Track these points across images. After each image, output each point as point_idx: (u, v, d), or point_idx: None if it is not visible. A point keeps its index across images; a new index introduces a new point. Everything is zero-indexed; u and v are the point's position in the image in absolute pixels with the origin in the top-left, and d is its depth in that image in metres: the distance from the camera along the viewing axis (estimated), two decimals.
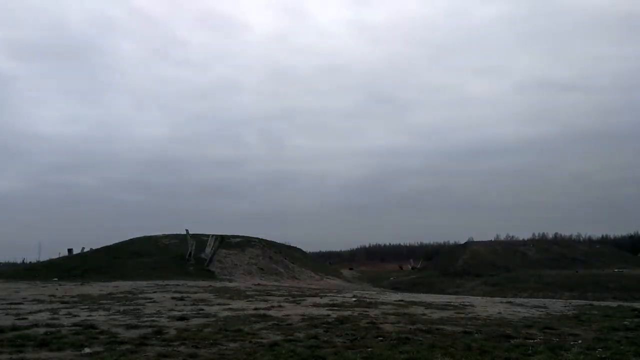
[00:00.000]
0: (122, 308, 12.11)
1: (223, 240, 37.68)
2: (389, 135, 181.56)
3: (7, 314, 10.73)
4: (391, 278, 54.84)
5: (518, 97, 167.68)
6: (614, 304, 16.76)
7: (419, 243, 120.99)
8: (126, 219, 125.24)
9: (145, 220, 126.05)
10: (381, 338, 8.18)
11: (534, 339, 8.30)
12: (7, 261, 69.69)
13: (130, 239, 39.51)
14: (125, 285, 21.72)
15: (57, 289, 19.51)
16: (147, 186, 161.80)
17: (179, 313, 11.13)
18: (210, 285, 22.88)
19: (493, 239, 75.25)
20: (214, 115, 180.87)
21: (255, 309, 12.26)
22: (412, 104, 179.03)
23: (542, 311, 13.02)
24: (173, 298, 15.19)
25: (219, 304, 13.48)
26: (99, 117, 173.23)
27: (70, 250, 39.88)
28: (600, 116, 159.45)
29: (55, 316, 10.47)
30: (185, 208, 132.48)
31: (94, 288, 19.91)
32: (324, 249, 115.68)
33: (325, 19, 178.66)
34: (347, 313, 11.58)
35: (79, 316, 10.52)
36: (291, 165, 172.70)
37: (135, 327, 9.02)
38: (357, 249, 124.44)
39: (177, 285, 22.06)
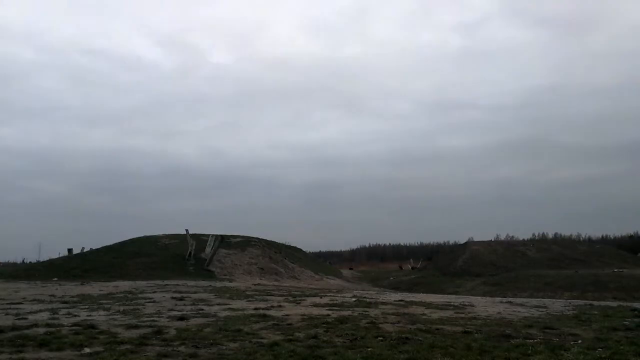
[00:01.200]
0: (122, 308, 12.11)
1: (223, 240, 37.69)
2: None
3: (7, 314, 10.74)
4: (391, 278, 54.82)
5: None
6: (614, 304, 16.76)
7: (419, 243, 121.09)
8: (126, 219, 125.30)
9: (145, 221, 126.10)
10: (381, 338, 8.18)
11: (534, 339, 8.30)
12: (7, 261, 69.64)
13: (130, 239, 39.51)
14: (125, 285, 21.72)
15: (57, 289, 19.51)
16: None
17: (179, 313, 11.13)
18: (210, 285, 22.88)
19: (493, 239, 75.24)
20: None
21: (255, 309, 12.26)
22: None
23: (542, 311, 13.02)
24: (173, 298, 15.19)
25: (219, 304, 13.47)
26: None
27: (70, 250, 39.87)
28: None
29: (55, 316, 10.48)
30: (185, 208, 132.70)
31: (94, 288, 19.91)
32: (324, 249, 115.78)
33: None
34: (347, 313, 11.58)
35: (79, 316, 10.52)
36: None
37: (135, 327, 9.02)
38: (357, 249, 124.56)
39: (177, 285, 22.06)
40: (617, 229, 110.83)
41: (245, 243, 39.40)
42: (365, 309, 12.52)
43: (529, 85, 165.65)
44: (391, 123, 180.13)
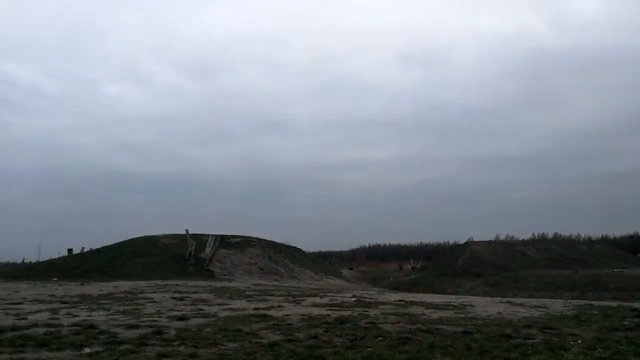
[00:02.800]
0: (122, 308, 12.10)
1: (223, 240, 37.68)
2: None
3: (7, 314, 10.73)
4: (391, 278, 54.83)
5: None
6: (614, 304, 16.76)
7: (419, 243, 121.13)
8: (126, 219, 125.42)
9: (145, 221, 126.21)
10: (381, 338, 8.17)
11: (533, 339, 8.30)
12: (7, 261, 69.60)
13: (130, 239, 39.51)
14: (125, 285, 21.72)
15: (57, 289, 19.51)
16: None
17: (179, 313, 11.13)
18: (210, 285, 22.87)
19: (493, 239, 75.30)
20: None
21: (255, 309, 12.25)
22: None
23: (542, 311, 13.02)
24: (173, 298, 15.19)
25: (218, 304, 13.47)
26: None
27: (70, 250, 39.86)
28: None
29: (55, 316, 10.47)
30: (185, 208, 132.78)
31: (94, 288, 19.91)
32: (324, 249, 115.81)
33: None
34: (347, 313, 11.57)
35: (78, 316, 10.52)
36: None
37: (135, 327, 9.02)
38: (357, 249, 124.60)
39: (177, 285, 22.06)
40: (617, 229, 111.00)
41: (245, 243, 39.40)
42: (365, 309, 12.52)
43: None
44: None
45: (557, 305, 15.26)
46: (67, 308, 12.13)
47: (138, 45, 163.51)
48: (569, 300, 18.90)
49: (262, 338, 8.05)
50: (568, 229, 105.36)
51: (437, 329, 9.15)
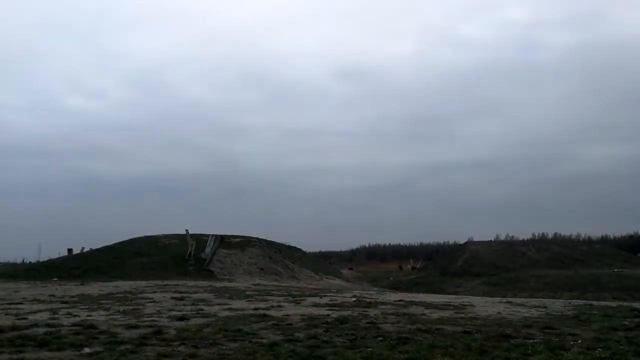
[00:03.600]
0: (122, 308, 12.10)
1: (223, 240, 37.66)
2: None
3: (7, 314, 10.73)
4: (391, 278, 54.84)
5: None
6: (614, 304, 16.77)
7: (419, 243, 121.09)
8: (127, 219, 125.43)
9: (145, 220, 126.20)
10: (381, 338, 8.18)
11: (533, 339, 8.30)
12: (7, 261, 69.56)
13: (130, 239, 39.48)
14: (125, 285, 21.72)
15: (57, 289, 19.50)
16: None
17: (179, 313, 11.13)
18: (210, 285, 22.88)
19: (493, 239, 75.25)
20: None
21: (255, 308, 12.26)
22: None
23: (542, 311, 13.02)
24: (173, 298, 15.18)
25: (218, 304, 13.47)
26: None
27: (70, 250, 39.84)
28: None
29: (55, 316, 10.47)
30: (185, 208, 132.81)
31: (94, 288, 19.90)
32: (324, 249, 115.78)
33: None
34: (347, 313, 11.58)
35: (78, 316, 10.52)
36: None
37: (135, 327, 9.02)
38: (357, 249, 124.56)
39: (177, 285, 22.06)
40: (617, 229, 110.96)
41: (245, 243, 39.38)
42: (365, 309, 12.52)
43: None
44: None
45: (557, 305, 15.26)
46: (67, 308, 12.13)
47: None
48: (569, 300, 18.91)
49: (262, 338, 8.05)
50: (568, 229, 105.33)
51: (437, 329, 9.15)
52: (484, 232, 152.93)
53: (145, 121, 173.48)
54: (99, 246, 38.60)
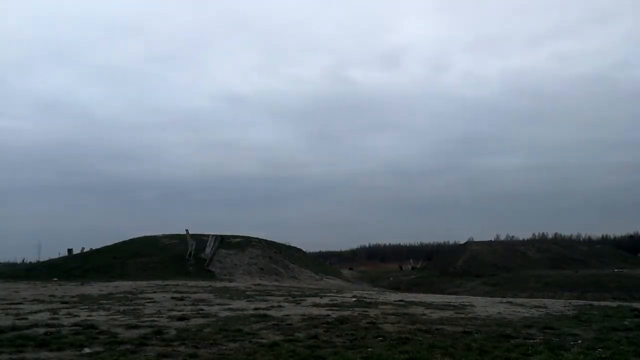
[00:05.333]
0: (122, 308, 12.10)
1: (223, 240, 37.68)
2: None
3: (7, 314, 10.73)
4: (391, 278, 54.88)
5: None
6: (614, 304, 16.76)
7: (419, 243, 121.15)
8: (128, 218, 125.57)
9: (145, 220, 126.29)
10: (381, 338, 8.18)
11: (534, 339, 8.30)
12: (7, 261, 69.58)
13: (130, 239, 39.51)
14: (125, 285, 21.72)
15: (57, 289, 19.51)
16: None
17: (179, 313, 11.13)
18: (210, 285, 22.87)
19: (493, 239, 75.28)
20: None
21: (255, 309, 12.25)
22: None
23: (542, 311, 13.02)
24: (173, 298, 15.18)
25: (219, 304, 13.47)
26: None
27: (70, 250, 39.84)
28: None
29: (55, 316, 10.47)
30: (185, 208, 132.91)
31: (94, 288, 19.90)
32: (324, 249, 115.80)
33: None
34: (347, 313, 11.58)
35: (79, 316, 10.52)
36: None
37: (135, 327, 9.02)
38: (357, 249, 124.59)
39: (177, 285, 22.05)
40: (617, 229, 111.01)
41: (245, 243, 39.38)
42: (365, 309, 12.52)
43: None
44: None
45: (557, 305, 15.26)
46: (67, 308, 12.13)
47: None
48: (569, 301, 18.90)
49: (262, 338, 8.05)
50: (568, 229, 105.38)
51: (437, 329, 9.15)
52: (484, 232, 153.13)
53: None
54: (99, 246, 38.64)
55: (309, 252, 63.37)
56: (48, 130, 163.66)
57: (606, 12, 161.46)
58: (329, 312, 11.65)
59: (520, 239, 76.00)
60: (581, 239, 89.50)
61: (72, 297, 15.57)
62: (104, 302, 13.84)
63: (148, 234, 41.34)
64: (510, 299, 18.98)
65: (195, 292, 17.89)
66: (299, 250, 49.89)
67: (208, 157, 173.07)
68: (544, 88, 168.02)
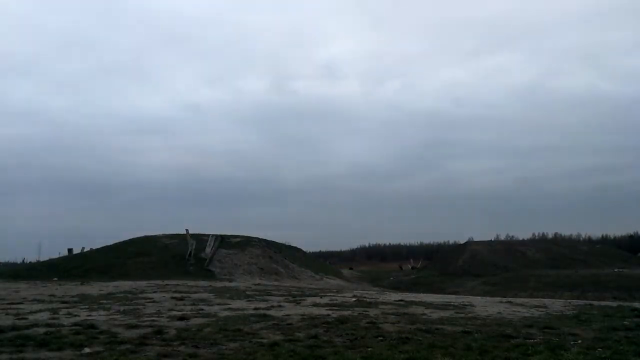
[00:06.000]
0: (122, 308, 12.10)
1: (223, 240, 37.69)
2: None
3: (7, 314, 10.73)
4: (391, 278, 54.90)
5: None
6: (614, 304, 16.76)
7: (419, 243, 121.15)
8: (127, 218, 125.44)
9: (145, 220, 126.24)
10: (381, 338, 8.18)
11: (533, 339, 8.30)
12: (7, 261, 69.58)
13: (130, 239, 39.51)
14: (125, 285, 21.72)
15: (57, 288, 19.51)
16: None
17: (179, 313, 11.13)
18: (210, 285, 22.88)
19: (493, 239, 75.27)
20: None
21: (255, 308, 12.26)
22: None
23: (542, 311, 13.02)
24: (173, 298, 15.18)
25: (219, 304, 13.47)
26: None
27: (70, 250, 39.87)
28: None
29: (55, 316, 10.47)
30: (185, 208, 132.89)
31: (94, 288, 19.90)
32: (324, 249, 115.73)
33: None
34: (347, 313, 11.58)
35: (79, 316, 10.51)
36: None
37: (135, 327, 9.02)
38: (357, 249, 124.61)
39: (177, 285, 22.06)
40: (617, 229, 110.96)
41: (245, 243, 39.38)
42: (365, 309, 12.52)
43: None
44: None
45: (557, 305, 15.26)
46: (67, 308, 12.13)
47: None
48: (569, 300, 18.89)
49: (262, 338, 8.05)
50: (568, 229, 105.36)
51: (437, 329, 9.15)
52: (484, 232, 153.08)
53: None
54: (99, 246, 38.64)
55: (309, 252, 63.40)
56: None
57: (531, 25, 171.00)
58: (329, 312, 11.65)
59: (520, 239, 76.04)
60: (581, 239, 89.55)
61: (72, 296, 15.57)
62: (104, 302, 13.84)
63: (148, 234, 41.38)
64: (510, 299, 18.97)
65: (195, 292, 17.90)
66: (299, 250, 49.91)
67: (183, 160, 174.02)
68: (478, 97, 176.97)
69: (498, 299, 19.33)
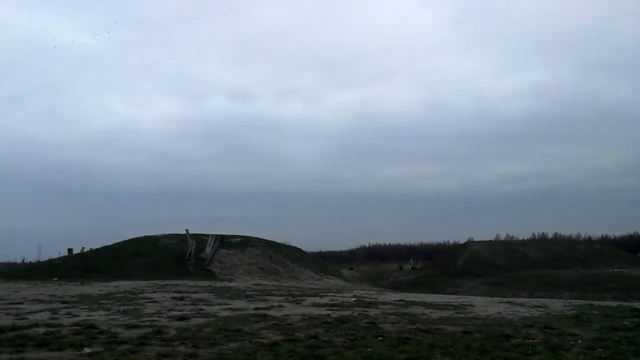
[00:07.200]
0: (122, 308, 12.11)
1: (223, 240, 37.68)
2: None
3: (7, 314, 10.73)
4: (391, 278, 54.84)
5: None
6: (614, 304, 16.76)
7: (419, 243, 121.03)
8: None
9: (145, 220, 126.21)
10: (381, 338, 8.18)
11: (533, 339, 8.30)
12: (7, 261, 69.55)
13: (130, 239, 39.49)
14: (125, 285, 21.72)
15: (57, 289, 19.52)
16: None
17: (179, 313, 11.14)
18: (210, 285, 22.88)
19: (493, 239, 75.19)
20: None
21: (255, 308, 12.26)
22: None
23: (542, 311, 13.02)
24: (173, 298, 15.19)
25: (219, 304, 13.48)
26: None
27: (70, 250, 39.78)
28: None
29: (55, 316, 10.48)
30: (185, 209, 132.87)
31: (94, 288, 19.91)
32: (324, 249, 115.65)
33: None
34: (347, 313, 11.58)
35: (79, 316, 10.52)
36: None
37: (135, 327, 9.02)
38: (357, 249, 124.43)
39: (177, 285, 22.07)
40: (617, 229, 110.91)
41: (245, 243, 39.38)
42: (365, 309, 12.52)
43: None
44: None
45: (557, 305, 15.27)
46: (67, 308, 12.13)
47: None
48: (569, 300, 18.91)
49: (262, 338, 8.05)
50: (568, 229, 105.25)
51: (437, 329, 9.15)
52: (484, 232, 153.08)
53: None
54: (99, 246, 38.63)
55: (309, 252, 63.39)
56: None
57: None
58: (329, 312, 11.66)
59: (520, 239, 75.96)
60: (581, 239, 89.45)
61: (72, 297, 15.58)
62: (104, 302, 13.84)
63: (148, 234, 41.37)
64: (510, 299, 18.98)
65: (195, 292, 17.90)
66: (299, 250, 49.92)
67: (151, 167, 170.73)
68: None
69: (498, 299, 19.34)
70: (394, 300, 15.64)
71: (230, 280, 29.09)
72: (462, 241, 76.14)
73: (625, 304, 16.83)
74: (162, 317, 10.52)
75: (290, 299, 15.60)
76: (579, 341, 8.16)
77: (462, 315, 11.57)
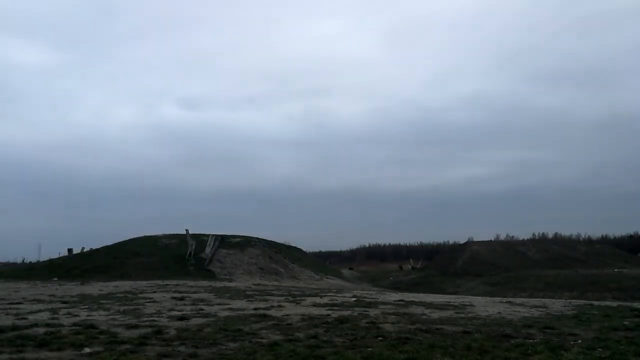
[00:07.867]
0: (122, 308, 12.11)
1: (223, 240, 37.69)
2: None
3: (7, 314, 10.73)
4: (391, 278, 54.86)
5: None
6: (614, 304, 16.76)
7: (419, 243, 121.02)
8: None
9: (145, 220, 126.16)
10: (381, 338, 8.18)
11: (533, 339, 8.30)
12: (7, 261, 69.51)
13: (130, 239, 39.48)
14: (125, 285, 21.73)
15: (57, 289, 19.52)
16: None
17: (179, 313, 11.14)
18: (210, 285, 22.89)
19: (493, 239, 75.21)
20: None
21: (255, 308, 12.26)
22: None
23: (542, 311, 13.02)
24: (173, 298, 15.19)
25: (219, 304, 13.48)
26: None
27: (70, 250, 39.77)
28: None
29: (55, 316, 10.48)
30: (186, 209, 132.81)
31: (94, 288, 19.91)
32: (324, 249, 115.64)
33: None
34: (347, 313, 11.58)
35: (79, 316, 10.52)
36: None
37: (135, 327, 9.02)
38: (357, 249, 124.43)
39: (177, 285, 22.07)
40: (617, 229, 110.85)
41: (245, 243, 39.38)
42: (365, 309, 12.52)
43: None
44: None
45: (557, 305, 15.26)
46: (67, 308, 12.13)
47: None
48: (569, 300, 18.90)
49: (262, 338, 8.05)
50: (568, 229, 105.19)
51: (437, 329, 9.15)
52: (484, 232, 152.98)
53: None
54: (99, 246, 38.61)
55: (309, 252, 63.38)
56: None
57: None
58: (329, 312, 11.66)
59: (520, 239, 75.97)
60: (581, 239, 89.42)
61: (72, 297, 15.58)
62: (104, 302, 13.85)
63: (148, 234, 41.36)
64: (510, 299, 18.97)
65: (195, 292, 17.90)
66: (299, 250, 49.91)
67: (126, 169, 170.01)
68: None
69: (498, 299, 19.33)
70: (394, 300, 15.64)
71: (230, 280, 29.09)
72: (462, 241, 76.24)
73: (625, 304, 16.82)
74: (162, 317, 10.52)
75: (290, 299, 15.60)
76: (579, 341, 8.16)
77: (462, 315, 11.57)
